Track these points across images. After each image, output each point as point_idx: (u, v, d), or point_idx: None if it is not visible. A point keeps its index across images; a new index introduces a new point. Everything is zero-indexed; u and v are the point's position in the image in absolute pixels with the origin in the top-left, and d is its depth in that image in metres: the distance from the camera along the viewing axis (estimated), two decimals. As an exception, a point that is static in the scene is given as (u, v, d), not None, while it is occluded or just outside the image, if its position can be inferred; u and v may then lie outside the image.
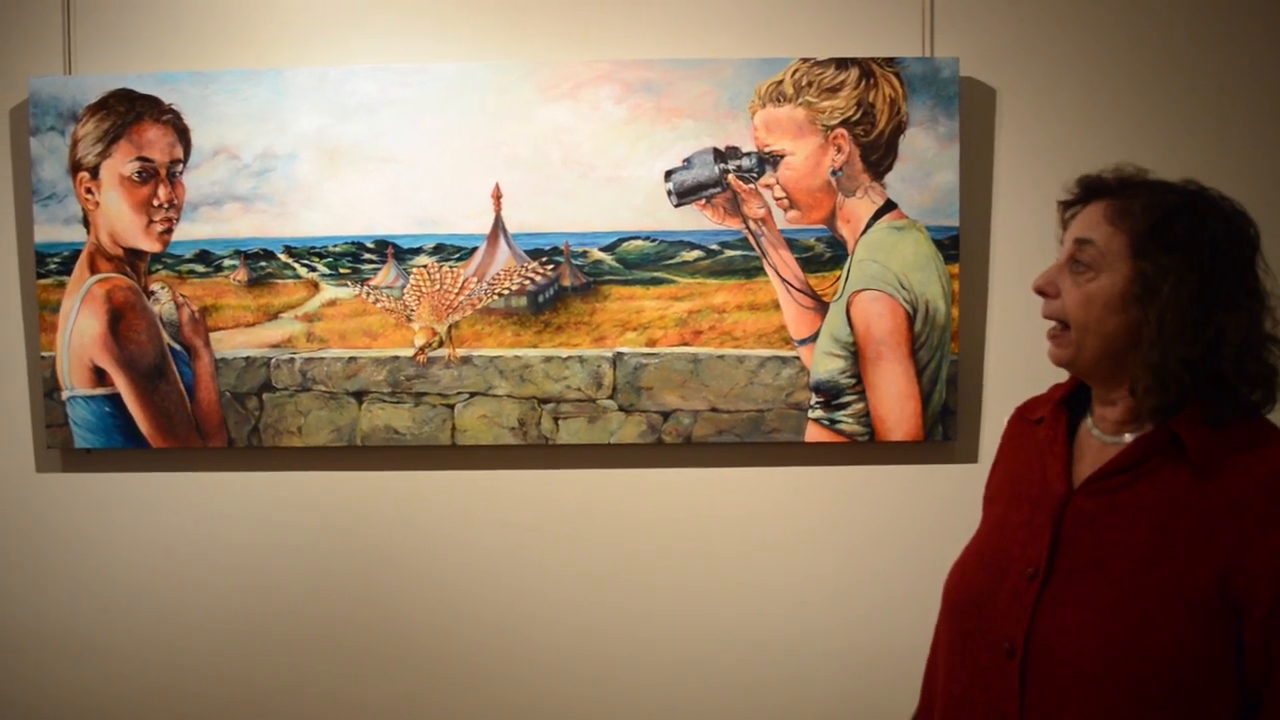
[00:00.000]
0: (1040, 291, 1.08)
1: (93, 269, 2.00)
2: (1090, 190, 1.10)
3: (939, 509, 1.95)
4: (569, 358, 1.96)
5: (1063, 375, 1.15)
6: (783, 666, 2.00)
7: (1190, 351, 1.00)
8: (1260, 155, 1.95)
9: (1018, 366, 1.95)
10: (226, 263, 1.99)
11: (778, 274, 1.94)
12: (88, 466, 2.05)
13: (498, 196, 1.95)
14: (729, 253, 1.94)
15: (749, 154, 1.92)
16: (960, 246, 1.92)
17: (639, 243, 1.94)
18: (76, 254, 1.99)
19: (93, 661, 2.06)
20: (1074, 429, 1.14)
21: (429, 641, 2.03)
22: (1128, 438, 1.07)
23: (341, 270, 1.97)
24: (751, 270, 1.94)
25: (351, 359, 1.98)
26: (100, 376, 2.00)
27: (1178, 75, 1.96)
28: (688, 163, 1.93)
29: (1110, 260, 1.03)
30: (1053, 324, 1.09)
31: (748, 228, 1.93)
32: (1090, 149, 1.92)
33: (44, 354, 1.99)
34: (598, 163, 1.94)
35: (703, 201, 1.93)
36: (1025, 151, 1.96)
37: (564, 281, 1.95)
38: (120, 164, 1.98)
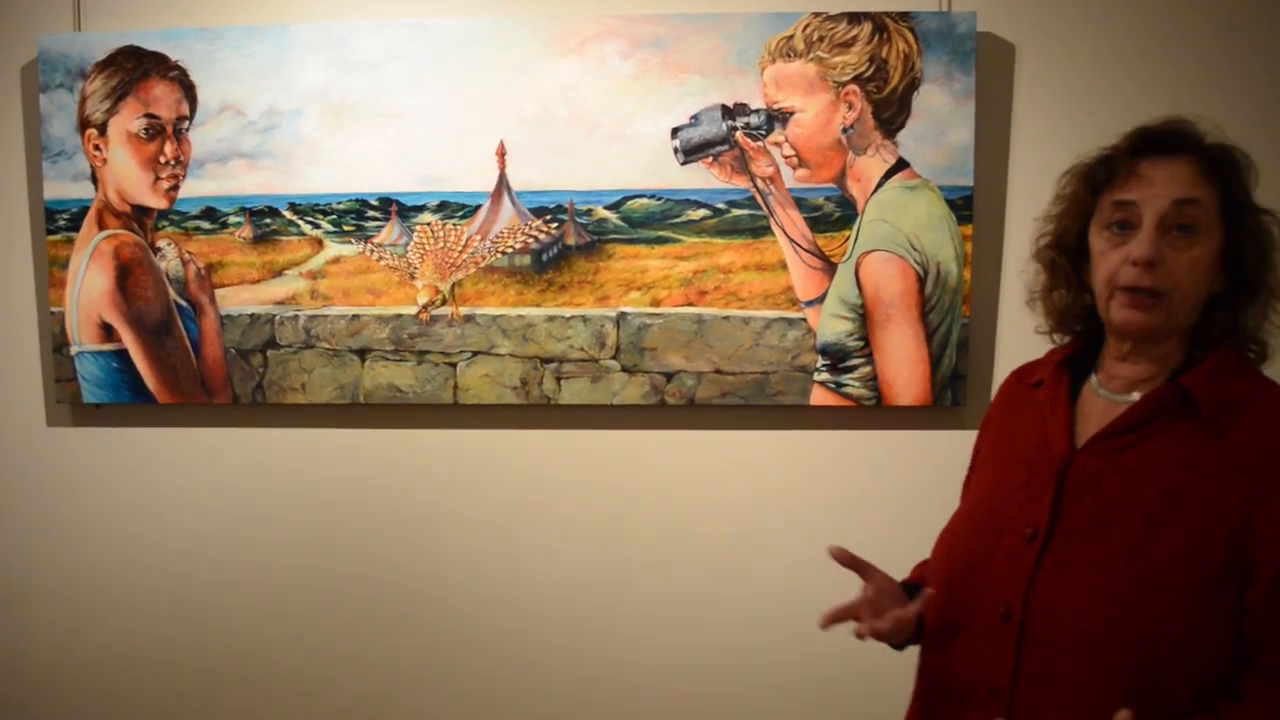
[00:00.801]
0: (1149, 263, 0.98)
1: (101, 225, 2.00)
2: (1155, 144, 1.01)
3: (946, 475, 1.88)
4: (572, 317, 1.94)
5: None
6: (786, 631, 1.98)
7: (1276, 295, 1.01)
8: (1291, 113, 1.87)
9: (1030, 331, 1.88)
10: (232, 220, 1.98)
11: (785, 234, 1.90)
12: (97, 421, 2.07)
13: (502, 154, 1.93)
14: (736, 212, 1.90)
15: (757, 111, 1.88)
16: (974, 207, 1.87)
17: (644, 201, 1.91)
18: (85, 210, 2.00)
19: (100, 612, 2.09)
20: (1075, 391, 1.10)
21: (431, 598, 2.03)
22: (1135, 396, 1.03)
23: (345, 227, 1.96)
24: (759, 230, 1.90)
25: (355, 316, 1.97)
26: (108, 332, 2.01)
27: (1202, 28, 1.88)
28: (695, 120, 1.89)
29: (1211, 220, 0.99)
30: (1140, 293, 0.99)
31: (755, 186, 1.90)
32: (1112, 106, 1.86)
33: (54, 309, 2.01)
34: (603, 120, 1.91)
35: (710, 159, 1.90)
36: (1044, 109, 1.90)
37: (568, 240, 1.93)
38: (128, 121, 1.98)
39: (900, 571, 1.87)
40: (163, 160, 1.99)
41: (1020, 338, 1.93)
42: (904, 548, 2.00)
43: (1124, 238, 1.01)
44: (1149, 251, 0.98)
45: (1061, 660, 0.96)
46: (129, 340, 2.01)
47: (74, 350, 2.01)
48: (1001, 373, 1.93)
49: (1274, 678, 0.93)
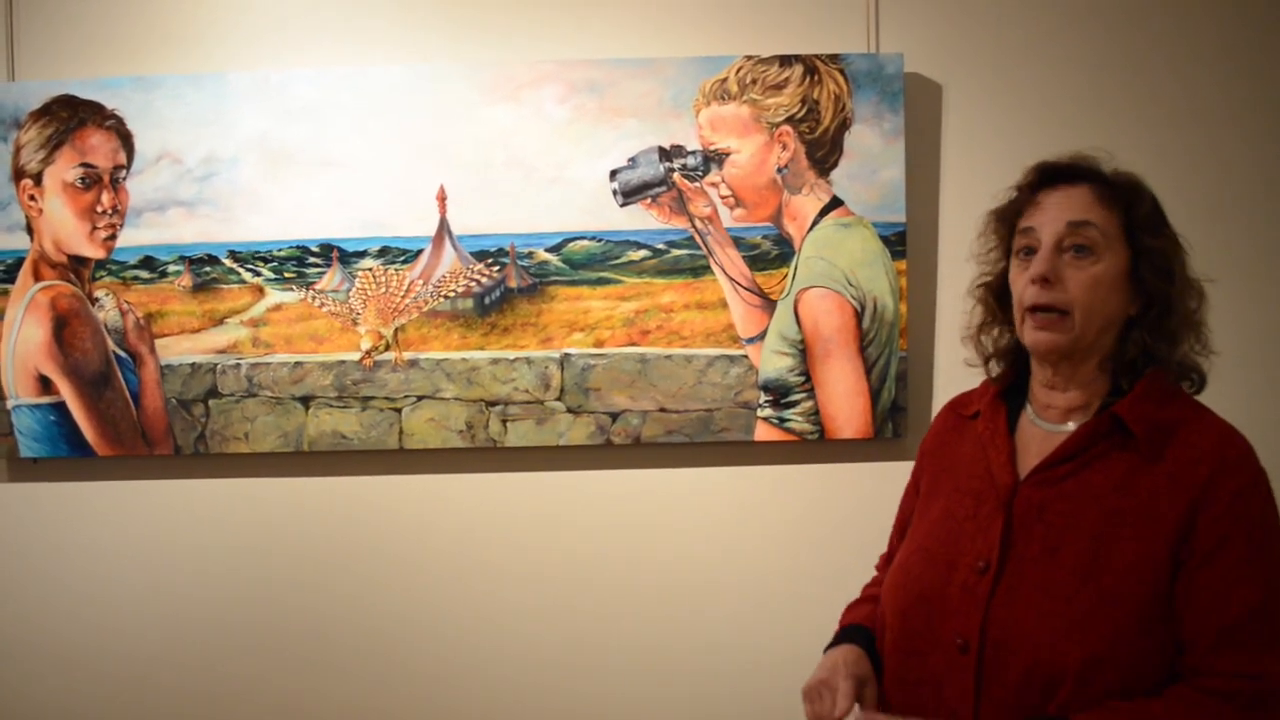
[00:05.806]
0: (1043, 279, 1.04)
1: (37, 276, 1.98)
2: (1054, 176, 1.08)
3: (890, 507, 1.92)
4: (516, 359, 1.94)
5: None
6: (733, 666, 1.99)
7: (1194, 321, 1.06)
8: (1206, 147, 1.94)
9: (966, 362, 1.94)
10: (171, 268, 1.97)
11: (725, 273, 1.93)
12: (34, 476, 2.03)
13: (442, 198, 1.94)
14: (675, 252, 1.93)
15: (694, 152, 1.91)
16: (907, 242, 1.91)
17: (585, 243, 1.93)
18: (20, 261, 1.97)
19: (41, 670, 2.04)
20: (1013, 421, 1.12)
21: (378, 646, 2.01)
22: (1071, 425, 1.07)
23: (286, 274, 1.96)
24: (698, 269, 1.93)
25: (297, 364, 1.96)
26: (45, 385, 1.98)
27: (1122, 68, 1.95)
28: (633, 162, 1.92)
29: (1110, 241, 1.03)
30: (1042, 312, 1.04)
31: (694, 226, 1.92)
32: (1036, 142, 1.89)
33: (-12, 363, 1.98)
34: (542, 163, 1.93)
35: (648, 201, 1.92)
36: (971, 146, 1.96)
37: (510, 283, 1.94)
38: (63, 170, 1.97)
39: (842, 605, 1.87)
40: (100, 210, 1.97)
41: (956, 369, 1.94)
42: (850, 578, 2.02)
43: (1029, 263, 1.06)
44: (1043, 268, 1.04)
45: (1022, 687, 0.97)
46: (67, 392, 1.98)
47: (10, 404, 1.98)
48: (940, 403, 1.96)
49: (1198, 680, 0.96)
